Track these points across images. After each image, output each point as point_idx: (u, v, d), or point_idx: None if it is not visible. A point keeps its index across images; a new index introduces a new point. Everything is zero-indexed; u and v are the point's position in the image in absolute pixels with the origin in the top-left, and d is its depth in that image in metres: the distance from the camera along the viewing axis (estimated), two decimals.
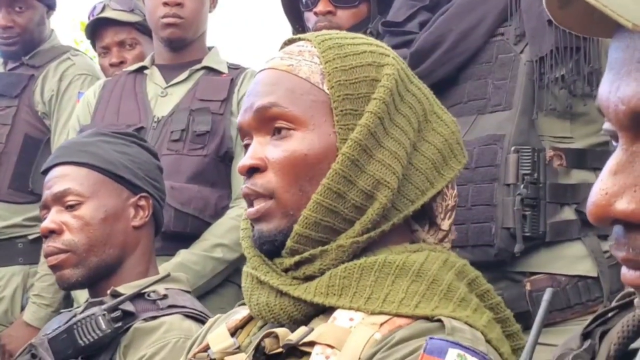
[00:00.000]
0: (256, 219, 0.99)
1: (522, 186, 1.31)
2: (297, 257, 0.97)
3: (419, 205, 1.00)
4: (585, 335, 0.75)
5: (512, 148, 1.33)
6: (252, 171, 0.99)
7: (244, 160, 1.00)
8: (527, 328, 1.26)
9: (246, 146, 1.03)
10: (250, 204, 1.00)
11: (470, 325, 0.92)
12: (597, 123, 1.38)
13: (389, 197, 0.96)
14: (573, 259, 1.33)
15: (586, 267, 1.33)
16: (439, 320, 0.90)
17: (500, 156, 1.33)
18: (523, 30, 1.38)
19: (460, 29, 1.43)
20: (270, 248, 0.99)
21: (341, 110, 0.98)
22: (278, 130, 0.99)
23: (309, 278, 0.97)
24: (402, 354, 0.86)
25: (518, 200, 1.30)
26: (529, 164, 1.32)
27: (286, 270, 0.99)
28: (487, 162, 1.34)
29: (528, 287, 1.33)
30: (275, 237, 0.98)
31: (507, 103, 1.36)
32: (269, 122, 0.99)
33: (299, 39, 1.05)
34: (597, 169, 1.38)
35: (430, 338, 0.84)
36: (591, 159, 1.38)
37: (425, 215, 1.05)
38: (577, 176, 1.37)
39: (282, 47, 1.07)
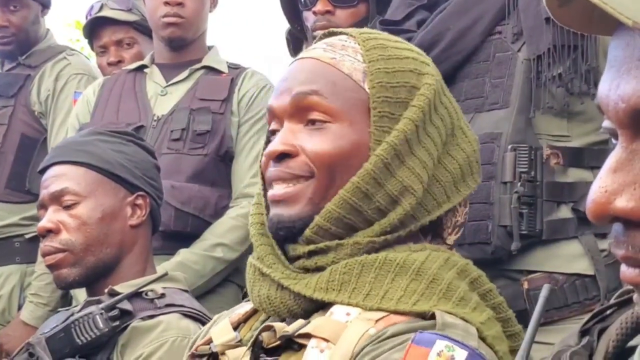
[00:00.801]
0: (281, 201, 0.98)
1: (519, 184, 1.31)
2: (311, 247, 0.98)
3: (434, 217, 1.01)
4: (584, 332, 0.76)
5: (509, 146, 1.33)
6: (282, 157, 0.99)
7: (274, 145, 0.99)
8: (525, 326, 1.27)
9: (272, 132, 1.03)
10: (282, 184, 0.99)
11: (467, 321, 0.92)
12: (594, 121, 1.38)
13: (413, 204, 0.97)
14: (570, 258, 1.34)
15: (583, 266, 1.33)
16: (433, 317, 0.91)
17: (498, 154, 1.33)
18: (520, 28, 1.38)
19: (457, 28, 1.43)
20: (287, 234, 0.99)
21: (379, 112, 0.99)
22: (312, 121, 0.99)
23: (319, 269, 0.98)
24: (390, 345, 0.88)
25: (515, 198, 1.30)
26: (526, 162, 1.32)
27: (297, 258, 0.99)
28: (484, 160, 1.34)
29: (525, 285, 1.34)
30: (294, 224, 0.98)
31: (504, 101, 1.36)
32: (305, 110, 0.99)
33: (341, 33, 1.06)
34: (594, 167, 1.38)
35: (420, 332, 0.86)
36: (588, 157, 1.38)
37: (431, 228, 1.05)
38: (574, 174, 1.37)
39: (321, 39, 1.07)
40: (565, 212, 1.35)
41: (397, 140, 0.97)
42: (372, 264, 0.96)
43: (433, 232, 1.05)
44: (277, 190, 0.98)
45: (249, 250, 2.06)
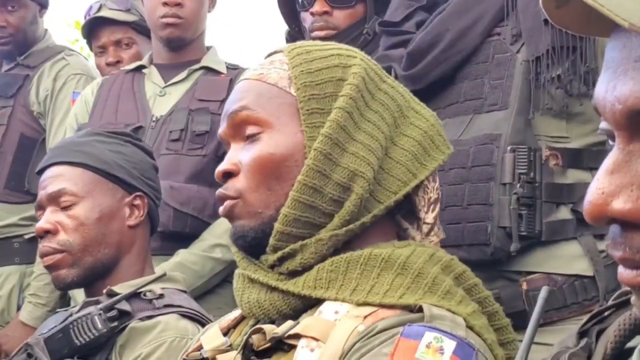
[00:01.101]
0: (228, 217, 1.04)
1: (518, 185, 1.31)
2: (279, 253, 1.00)
3: (401, 196, 1.02)
4: (582, 333, 0.76)
5: (509, 147, 1.33)
6: (227, 176, 1.03)
7: (219, 166, 1.05)
8: (523, 327, 1.26)
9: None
10: (221, 206, 1.04)
11: (453, 313, 0.93)
12: (593, 123, 1.38)
13: (365, 187, 0.98)
14: (569, 259, 1.33)
15: (582, 267, 1.33)
16: (421, 310, 0.92)
17: (497, 155, 1.33)
18: (519, 30, 1.38)
19: (456, 29, 1.43)
20: (243, 244, 1.02)
21: (307, 110, 1.01)
22: (250, 136, 1.03)
23: (292, 273, 0.99)
24: (380, 340, 0.88)
25: (514, 199, 1.30)
26: (525, 164, 1.32)
27: (272, 267, 1.01)
28: (484, 162, 1.34)
29: (524, 286, 1.33)
30: (247, 234, 1.01)
31: (503, 102, 1.36)
32: (240, 127, 1.04)
33: (275, 52, 1.09)
34: (592, 168, 1.38)
35: (409, 325, 0.87)
36: (587, 158, 1.38)
37: (413, 213, 1.07)
38: (573, 176, 1.37)
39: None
40: (564, 213, 1.35)
41: (330, 130, 0.99)
42: (357, 260, 0.97)
43: (408, 214, 1.06)
44: (220, 209, 1.04)
45: None
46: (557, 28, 1.31)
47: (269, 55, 1.10)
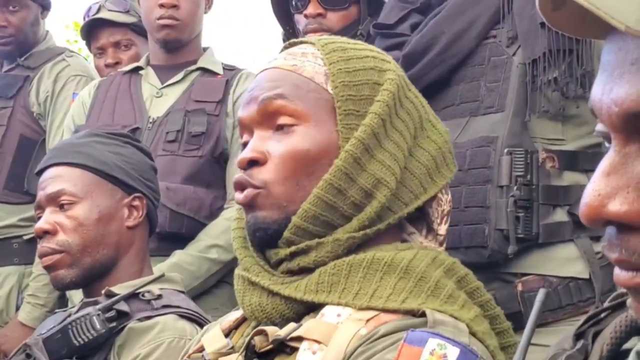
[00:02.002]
0: (248, 206, 1.01)
1: (515, 188, 1.31)
2: (292, 248, 0.99)
3: (412, 209, 1.02)
4: (578, 335, 0.76)
5: (505, 150, 1.33)
6: (251, 164, 1.01)
7: (244, 152, 1.01)
8: (519, 328, 1.26)
9: (244, 144, 1.05)
10: (240, 192, 1.01)
11: (456, 318, 0.93)
12: (588, 125, 1.39)
13: (387, 196, 0.99)
14: (565, 261, 1.34)
15: (578, 269, 1.33)
16: (424, 315, 0.91)
17: (493, 158, 1.34)
18: (515, 32, 1.38)
19: (452, 32, 1.43)
20: (263, 236, 1.00)
21: (344, 110, 1.00)
22: (281, 127, 1.01)
23: (302, 270, 0.99)
24: (383, 345, 0.88)
25: (511, 201, 1.30)
26: (522, 166, 1.32)
27: (280, 262, 1.00)
28: (480, 164, 1.35)
29: (519, 287, 1.34)
30: (269, 226, 0.99)
31: (499, 105, 1.36)
32: (273, 116, 1.01)
33: (301, 42, 1.08)
34: (588, 170, 1.38)
35: (412, 330, 0.86)
36: (583, 160, 1.38)
37: (423, 220, 1.07)
38: (569, 178, 1.37)
39: (283, 50, 1.09)
40: (560, 215, 1.35)
41: (364, 134, 0.99)
42: (360, 263, 0.97)
43: (427, 225, 1.06)
44: (239, 195, 1.01)
45: None
46: (553, 31, 1.32)
47: (291, 45, 1.08)
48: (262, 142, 1.01)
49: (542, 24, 1.33)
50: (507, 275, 1.35)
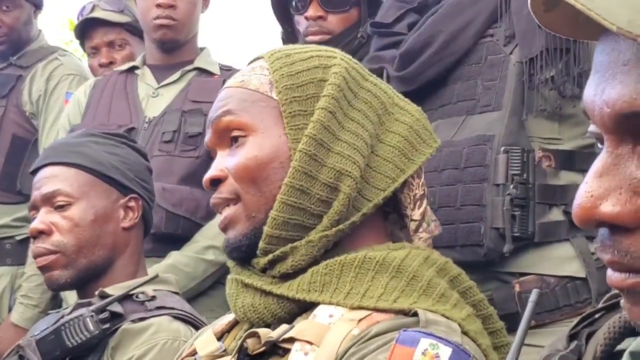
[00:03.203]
0: (224, 228, 1.03)
1: (511, 186, 1.31)
2: (270, 256, 0.99)
3: (390, 192, 1.02)
4: (572, 336, 0.76)
5: (502, 148, 1.33)
6: (215, 183, 1.03)
7: (207, 174, 1.04)
8: (516, 329, 1.26)
9: None
10: (220, 214, 1.04)
11: (448, 318, 0.93)
12: (585, 125, 1.38)
13: (352, 186, 0.98)
14: (561, 260, 1.33)
15: (574, 268, 1.33)
16: (416, 315, 0.91)
17: (490, 156, 1.33)
18: (513, 31, 1.38)
19: (449, 30, 1.43)
20: (238, 255, 1.02)
21: (290, 112, 1.01)
22: (235, 139, 1.03)
23: (285, 276, 0.99)
24: (375, 345, 0.88)
25: (507, 200, 1.30)
26: (518, 165, 1.32)
27: (264, 270, 1.01)
28: (477, 163, 1.34)
29: (517, 288, 1.33)
30: (241, 243, 1.01)
31: (496, 104, 1.36)
32: (225, 132, 1.04)
33: (256, 60, 1.09)
34: (585, 170, 1.36)
35: (404, 330, 0.86)
36: (579, 160, 1.38)
37: (392, 209, 1.06)
38: (566, 177, 1.37)
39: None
40: (556, 214, 1.34)
41: (314, 130, 0.99)
42: (351, 263, 0.97)
43: (395, 212, 1.06)
44: (218, 218, 1.04)
45: None
46: None
47: (250, 62, 1.10)
48: (222, 160, 1.04)
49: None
50: (504, 275, 1.35)
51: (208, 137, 1.06)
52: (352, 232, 1.01)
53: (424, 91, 1.46)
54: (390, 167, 1.02)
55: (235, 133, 1.02)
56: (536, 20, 0.59)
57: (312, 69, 1.04)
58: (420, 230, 1.06)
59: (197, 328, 1.46)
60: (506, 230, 1.30)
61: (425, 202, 1.07)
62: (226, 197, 1.02)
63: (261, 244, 0.99)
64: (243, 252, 1.01)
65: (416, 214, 1.06)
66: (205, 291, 2.04)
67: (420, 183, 1.07)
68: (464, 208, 1.34)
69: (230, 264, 1.06)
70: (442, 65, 1.44)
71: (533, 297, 0.73)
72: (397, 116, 1.06)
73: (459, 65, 1.43)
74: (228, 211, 1.02)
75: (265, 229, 0.99)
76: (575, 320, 1.31)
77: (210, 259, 2.00)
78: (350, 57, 1.09)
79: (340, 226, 0.99)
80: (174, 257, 1.98)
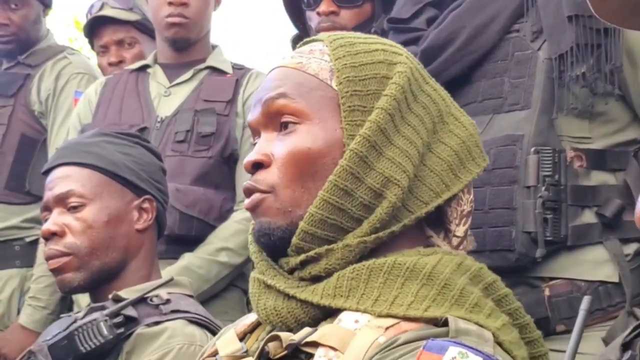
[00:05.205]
0: (253, 211, 0.98)
1: (543, 188, 1.26)
2: (302, 256, 0.95)
3: (432, 208, 0.97)
4: (625, 345, 0.72)
5: (532, 149, 1.29)
6: (256, 167, 0.98)
7: (248, 156, 0.99)
8: (546, 335, 1.23)
9: (255, 146, 1.02)
10: (249, 198, 0.98)
11: (482, 326, 0.89)
12: (615, 123, 1.35)
13: (399, 195, 0.94)
14: (594, 264, 1.29)
15: (607, 272, 1.29)
16: (446, 324, 0.87)
17: (520, 157, 1.29)
18: (540, 26, 1.34)
19: (473, 26, 1.39)
20: (266, 242, 0.97)
21: (349, 106, 0.96)
22: (285, 125, 0.98)
23: (315, 278, 0.95)
24: (400, 353, 0.84)
25: (539, 203, 1.25)
26: (549, 165, 1.27)
27: (292, 271, 0.97)
28: (506, 164, 1.30)
29: (547, 292, 1.29)
30: (273, 232, 0.96)
31: (525, 102, 1.32)
32: (276, 116, 0.98)
33: (313, 40, 1.04)
34: (615, 170, 1.34)
35: (432, 339, 0.82)
36: (610, 160, 1.34)
37: (441, 222, 1.02)
38: (597, 178, 1.32)
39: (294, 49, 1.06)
40: (589, 216, 1.30)
41: (369, 131, 0.94)
42: (380, 268, 0.92)
43: (438, 225, 1.02)
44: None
45: None
46: (580, 25, 1.28)
47: (305, 43, 1.05)
48: (268, 143, 0.99)
49: (569, 18, 1.28)
50: (534, 279, 1.31)
51: (254, 116, 1.00)
52: (388, 240, 0.96)
53: (447, 89, 1.41)
54: (437, 180, 0.98)
55: (287, 118, 0.97)
56: (592, 9, 0.55)
57: (377, 64, 0.99)
58: (461, 247, 1.02)
59: (212, 332, 1.44)
60: (538, 234, 1.26)
61: (470, 219, 1.02)
62: (259, 188, 0.97)
63: (294, 240, 0.95)
64: (272, 242, 0.96)
65: (460, 231, 1.02)
66: (218, 293, 2.03)
67: (470, 199, 1.02)
68: (492, 211, 1.29)
69: (255, 258, 1.01)
70: (466, 62, 1.39)
71: (585, 304, 0.70)
72: (452, 127, 1.01)
73: (483, 62, 1.39)
74: (256, 197, 0.97)
75: (302, 224, 0.94)
76: (608, 324, 1.28)
77: (224, 261, 1.99)
78: (414, 56, 1.04)
79: (380, 234, 0.94)
80: (187, 259, 1.96)
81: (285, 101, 0.97)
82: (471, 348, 0.81)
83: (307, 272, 0.95)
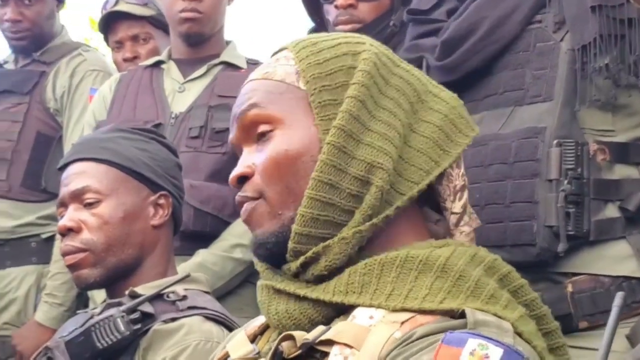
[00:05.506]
0: (248, 223, 0.97)
1: (565, 182, 1.24)
2: (302, 259, 0.93)
3: (424, 186, 0.96)
4: None
5: (554, 141, 1.26)
6: (242, 180, 0.98)
7: (233, 171, 0.99)
8: (569, 331, 1.20)
9: None
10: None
11: (500, 317, 0.87)
12: (639, 115, 1.32)
13: (385, 179, 0.92)
14: (617, 259, 1.27)
15: (631, 268, 1.27)
16: (463, 316, 0.85)
17: (542, 150, 1.27)
18: (563, 17, 1.31)
19: (494, 16, 1.37)
20: (263, 253, 0.96)
21: (319, 102, 0.95)
22: (262, 134, 0.97)
23: (319, 279, 0.93)
24: (419, 347, 0.82)
25: (562, 196, 1.23)
26: (572, 159, 1.25)
27: (296, 275, 0.95)
28: (527, 157, 1.28)
29: (569, 288, 1.27)
30: (267, 240, 0.95)
31: (547, 94, 1.29)
32: (252, 127, 0.98)
33: (279, 51, 1.04)
34: (639, 163, 1.31)
35: (451, 331, 0.81)
36: (634, 153, 1.31)
37: (428, 201, 1.00)
38: (620, 171, 1.30)
39: None
40: (612, 211, 1.28)
41: (343, 121, 0.93)
42: (392, 262, 0.91)
43: (432, 204, 1.00)
44: (242, 212, 0.99)
45: None
46: (604, 15, 1.25)
47: (273, 54, 1.05)
48: (249, 156, 0.98)
49: (592, 8, 1.26)
50: (556, 275, 1.29)
51: (233, 133, 1.00)
52: (387, 227, 0.95)
53: (467, 81, 1.39)
54: (424, 159, 0.96)
55: (262, 128, 0.97)
56: None
57: (341, 56, 0.98)
58: (462, 223, 1.00)
59: (229, 328, 1.43)
60: (560, 228, 1.23)
61: (466, 193, 1.01)
62: (249, 196, 0.97)
63: (290, 244, 0.93)
64: (268, 250, 0.95)
65: (457, 207, 1.00)
66: (233, 290, 2.02)
67: (460, 173, 1.00)
68: (513, 205, 1.27)
69: (259, 268, 1.00)
70: (487, 53, 1.37)
71: (617, 301, 0.68)
72: (431, 104, 0.99)
73: (504, 53, 1.37)
74: (248, 206, 0.97)
75: (294, 227, 0.93)
76: (632, 321, 1.26)
77: (238, 257, 1.98)
78: (379, 43, 1.03)
79: (374, 220, 0.93)
80: (201, 255, 1.95)
81: (257, 111, 0.97)
82: (491, 339, 0.80)
83: (309, 274, 0.94)
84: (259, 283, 1.00)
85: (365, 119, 0.94)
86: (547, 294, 1.25)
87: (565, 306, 1.26)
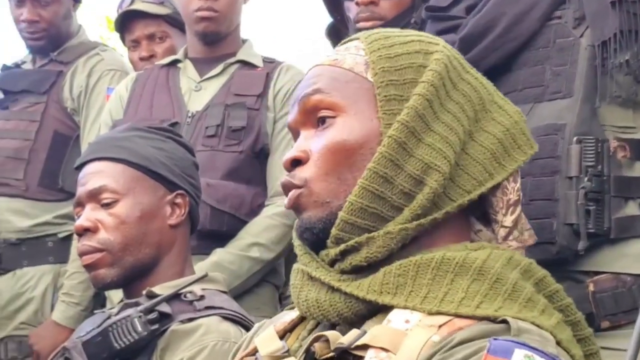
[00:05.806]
0: (294, 209, 0.97)
1: (585, 179, 1.22)
2: (342, 246, 0.93)
3: (475, 196, 0.95)
4: None
5: (574, 138, 1.25)
6: (295, 164, 0.97)
7: (287, 153, 0.98)
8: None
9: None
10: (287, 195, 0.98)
11: (538, 327, 0.86)
12: None
13: (439, 181, 0.92)
14: (638, 257, 1.25)
15: None
16: (504, 322, 0.84)
17: (562, 147, 1.25)
18: (583, 12, 1.29)
19: (513, 12, 1.35)
20: (310, 237, 0.96)
21: (385, 96, 0.95)
22: (322, 120, 0.97)
23: (356, 269, 0.93)
24: (462, 355, 0.81)
25: (582, 194, 1.21)
26: (592, 156, 1.23)
27: (333, 263, 0.95)
28: (547, 154, 1.26)
29: (591, 287, 1.25)
30: (314, 225, 0.95)
31: (567, 90, 1.27)
32: (313, 112, 0.98)
33: (350, 40, 1.04)
34: None
35: (494, 339, 0.79)
36: None
37: (480, 212, 1.00)
38: None
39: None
40: (632, 208, 1.26)
41: (408, 117, 0.93)
42: (428, 264, 0.90)
43: (484, 215, 1.00)
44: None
45: (286, 250, 2.02)
46: (624, 10, 1.23)
47: (344, 42, 1.05)
48: (306, 140, 0.98)
49: (613, 4, 1.24)
50: (577, 274, 1.27)
51: (293, 115, 1.00)
52: (431, 229, 0.94)
53: (486, 78, 1.38)
54: (479, 169, 0.96)
55: (324, 113, 0.97)
56: None
57: (413, 54, 0.98)
58: (511, 238, 1.00)
59: (246, 328, 1.43)
60: (580, 226, 1.22)
61: (519, 209, 1.00)
62: (294, 183, 0.96)
63: (334, 231, 0.93)
64: (315, 235, 0.95)
65: (508, 220, 0.99)
66: (250, 289, 2.02)
67: (516, 188, 1.00)
68: (533, 203, 1.26)
69: (298, 251, 1.00)
70: (506, 50, 1.35)
71: None
72: (495, 115, 0.99)
73: (524, 50, 1.35)
74: (292, 195, 0.97)
75: (341, 214, 0.93)
76: None
77: (255, 256, 1.97)
78: (451, 46, 1.03)
79: (422, 220, 0.92)
80: (218, 254, 1.95)
81: (321, 96, 0.97)
82: (536, 350, 0.79)
83: (347, 263, 0.93)
84: (295, 266, 1.00)
85: (430, 119, 0.94)
86: (568, 294, 1.23)
87: (587, 306, 1.24)
